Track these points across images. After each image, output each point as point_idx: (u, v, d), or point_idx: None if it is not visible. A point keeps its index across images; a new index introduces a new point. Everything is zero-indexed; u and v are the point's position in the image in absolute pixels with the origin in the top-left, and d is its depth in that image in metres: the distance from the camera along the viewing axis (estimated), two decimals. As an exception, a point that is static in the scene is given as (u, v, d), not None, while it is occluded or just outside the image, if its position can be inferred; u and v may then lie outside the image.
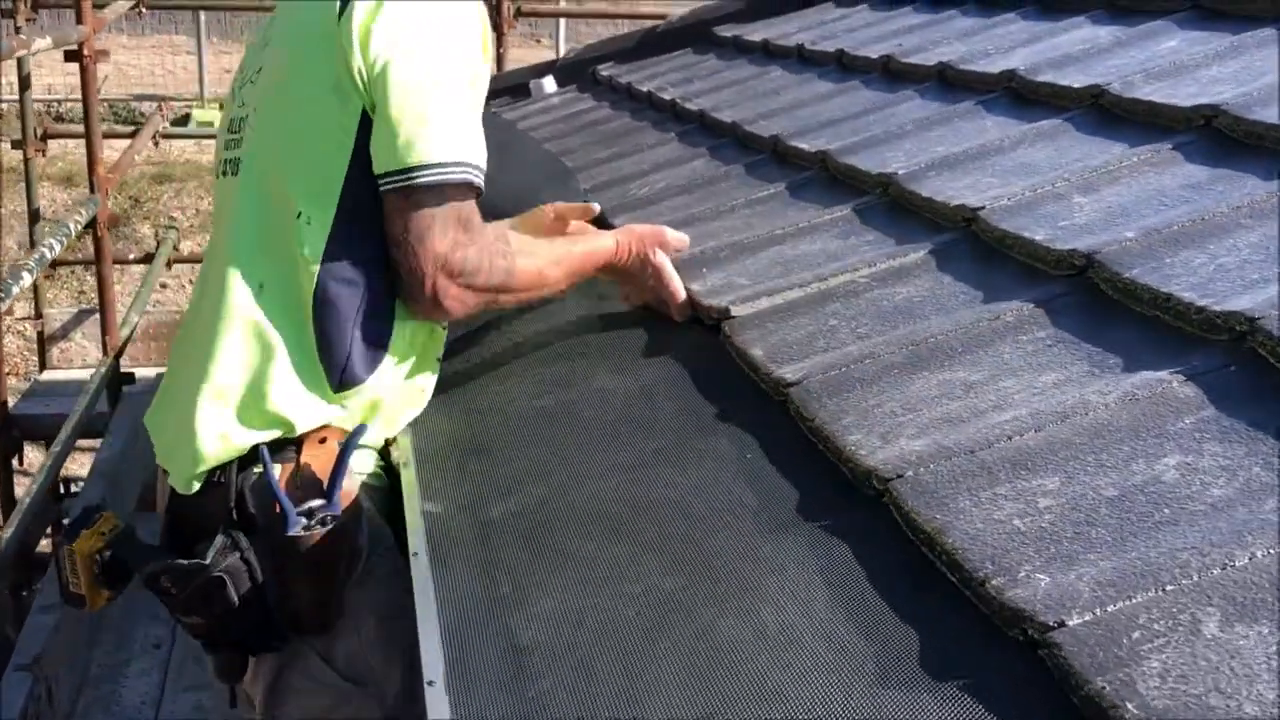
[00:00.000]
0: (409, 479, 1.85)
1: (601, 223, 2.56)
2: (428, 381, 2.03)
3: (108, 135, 5.54)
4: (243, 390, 1.83)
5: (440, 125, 1.78)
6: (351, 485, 1.83)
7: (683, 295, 2.10)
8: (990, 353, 1.61)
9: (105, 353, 5.24)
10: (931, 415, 1.50)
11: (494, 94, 5.36)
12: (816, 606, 1.26)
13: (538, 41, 15.88)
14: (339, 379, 1.84)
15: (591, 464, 1.70)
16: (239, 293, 1.85)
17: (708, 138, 3.32)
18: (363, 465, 1.92)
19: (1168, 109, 2.17)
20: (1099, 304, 1.65)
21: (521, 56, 9.15)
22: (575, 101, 4.66)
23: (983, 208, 1.99)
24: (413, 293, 1.81)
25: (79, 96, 5.63)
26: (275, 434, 1.82)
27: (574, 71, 5.15)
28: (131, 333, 5.45)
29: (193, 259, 7.51)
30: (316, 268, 1.81)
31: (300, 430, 1.82)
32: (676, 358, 1.98)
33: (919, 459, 1.39)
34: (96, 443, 5.56)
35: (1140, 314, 1.58)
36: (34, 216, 6.18)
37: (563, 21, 12.29)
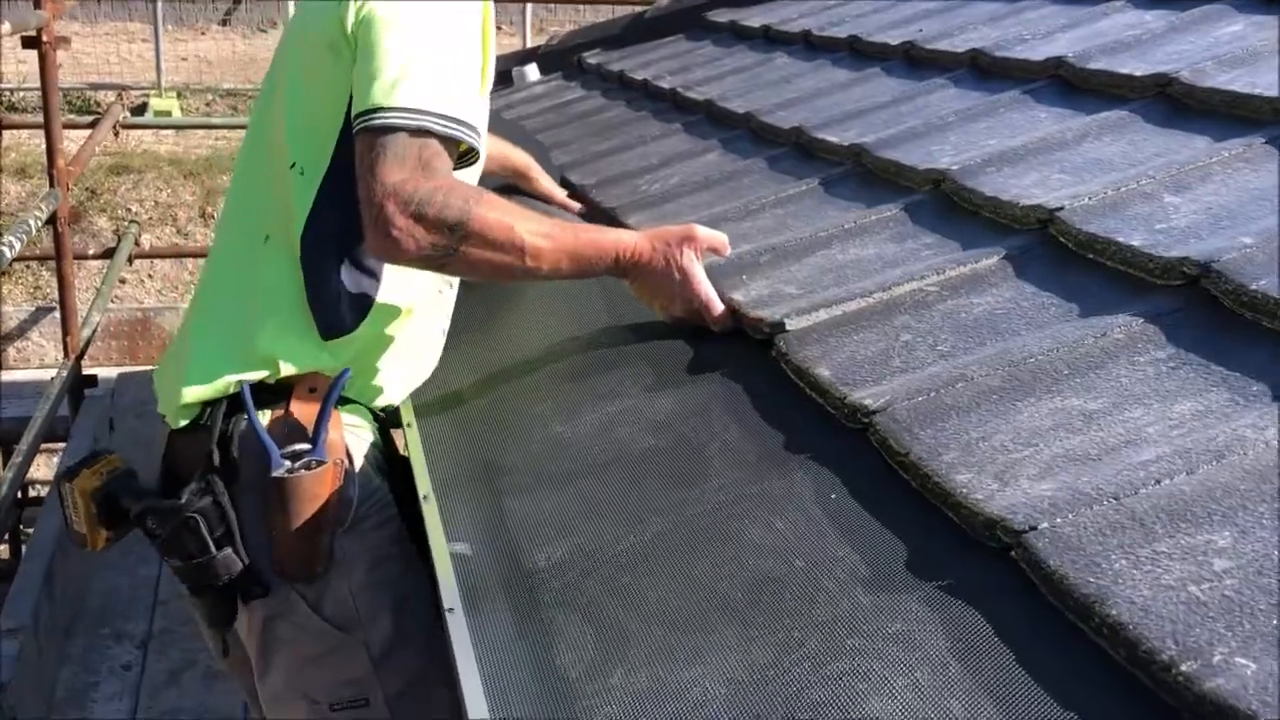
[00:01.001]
0: (432, 515, 1.64)
1: (614, 224, 2.35)
2: (428, 344, 2.04)
3: (66, 126, 5.25)
4: (235, 332, 1.88)
5: (412, 72, 1.75)
6: (340, 435, 1.86)
7: (719, 304, 1.89)
8: (1105, 376, 1.42)
9: (66, 354, 4.97)
10: (1053, 451, 1.30)
11: (474, 82, 5.14)
12: (954, 688, 1.06)
13: (498, 29, 15.61)
14: (326, 326, 1.86)
15: (647, 503, 1.49)
16: (246, 244, 1.94)
17: (718, 129, 3.12)
18: (354, 418, 1.92)
19: (1252, 100, 1.98)
20: (1221, 319, 1.46)
21: (500, 44, 8.91)
22: (562, 90, 4.44)
23: (1061, 208, 1.79)
24: (365, 221, 1.74)
25: (32, 85, 5.36)
26: (261, 374, 1.85)
27: (556, 60, 4.93)
28: (93, 333, 5.19)
29: (153, 254, 7.23)
30: (306, 217, 1.85)
31: (285, 372, 1.85)
32: (725, 375, 1.78)
33: (1052, 506, 1.19)
34: (58, 446, 5.31)
35: (1276, 331, 1.39)
36: (-12, 210, 5.90)
37: (529, 8, 12.02)
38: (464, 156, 1.84)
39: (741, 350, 1.84)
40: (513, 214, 1.81)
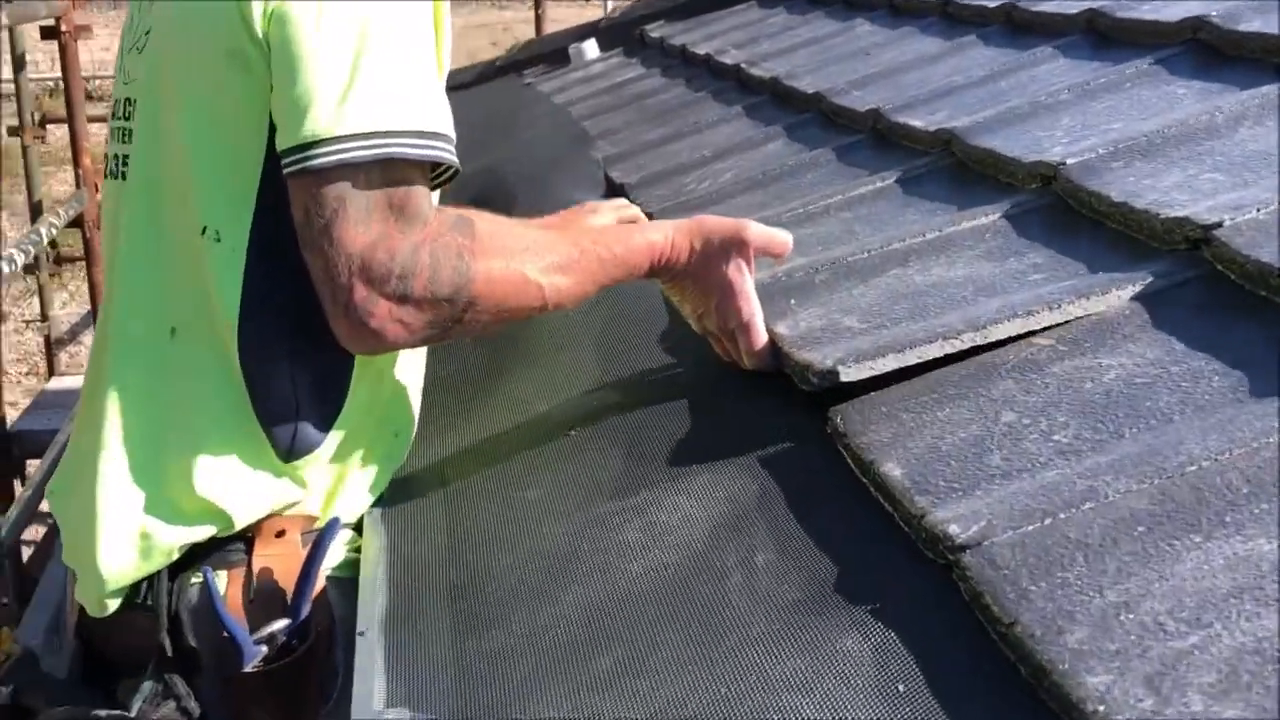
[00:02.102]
0: (365, 658, 1.23)
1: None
2: (410, 407, 1.58)
3: (97, 119, 4.93)
4: (155, 471, 1.41)
5: (363, 80, 1.28)
6: (323, 590, 1.45)
7: (762, 334, 1.47)
8: (1307, 500, 0.95)
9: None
10: (1235, 639, 0.84)
11: (528, 62, 4.72)
12: None
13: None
14: (289, 445, 1.42)
15: (666, 675, 1.06)
16: (144, 340, 1.43)
17: (783, 112, 2.65)
18: (336, 557, 1.48)
19: None
20: None
21: (563, 17, 8.49)
22: (621, 69, 4.00)
23: (1219, 224, 1.32)
24: (327, 309, 1.31)
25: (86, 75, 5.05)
26: (209, 530, 1.41)
27: (620, 34, 4.48)
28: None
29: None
30: (236, 297, 1.38)
31: (242, 522, 1.41)
32: (764, 454, 1.34)
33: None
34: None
35: None
36: (35, 210, 5.61)
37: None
38: (436, 175, 1.39)
39: (788, 411, 1.40)
40: (518, 252, 1.36)
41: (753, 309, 1.47)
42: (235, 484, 1.40)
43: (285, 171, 1.29)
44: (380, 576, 1.41)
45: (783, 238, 1.53)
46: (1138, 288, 1.32)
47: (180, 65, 1.41)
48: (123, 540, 1.40)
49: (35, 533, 5.04)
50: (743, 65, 3.09)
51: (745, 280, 1.48)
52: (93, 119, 5.12)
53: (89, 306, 4.85)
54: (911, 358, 1.31)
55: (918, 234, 1.63)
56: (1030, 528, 1.01)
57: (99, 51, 11.21)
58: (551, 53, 4.59)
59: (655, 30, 4.19)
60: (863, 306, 1.47)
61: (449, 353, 1.82)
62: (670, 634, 1.12)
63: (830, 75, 2.69)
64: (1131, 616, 0.89)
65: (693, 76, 3.41)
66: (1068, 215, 1.56)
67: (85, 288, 5.61)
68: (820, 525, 1.20)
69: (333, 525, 1.45)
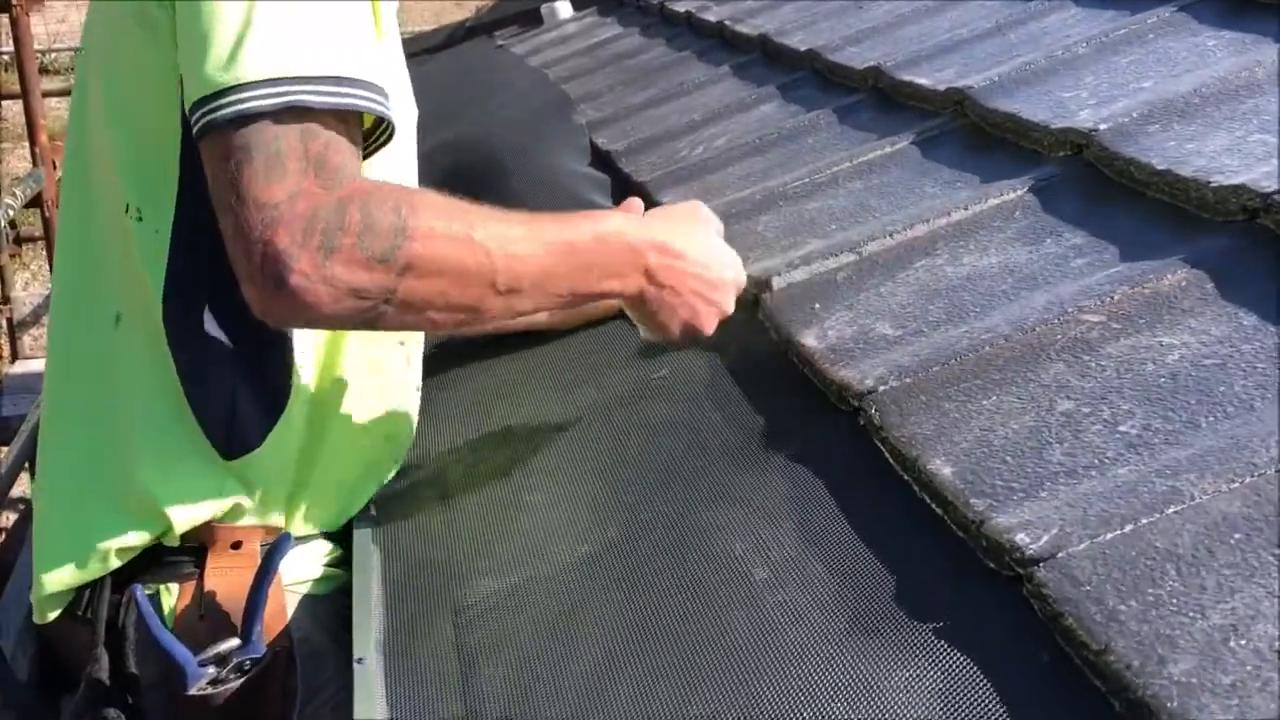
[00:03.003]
0: (364, 690, 1.13)
1: (647, 201, 1.81)
2: (396, 413, 1.44)
3: (56, 94, 4.76)
4: (97, 468, 1.32)
5: (260, 21, 1.12)
6: (281, 607, 1.34)
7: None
8: None
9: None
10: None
11: (499, 23, 4.58)
12: None
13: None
14: (226, 441, 1.31)
15: (699, 705, 0.96)
16: (91, 327, 1.34)
17: (774, 71, 2.54)
18: (298, 570, 1.38)
19: None
20: None
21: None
22: (597, 28, 3.87)
23: (1278, 191, 1.21)
24: (239, 268, 1.12)
25: (63, 45, 4.87)
26: (146, 535, 1.30)
27: (593, -9, 4.34)
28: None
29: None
30: (160, 279, 1.28)
31: (181, 526, 1.30)
32: (785, 446, 1.24)
33: None
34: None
35: None
36: (-9, 189, 5.44)
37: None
38: (370, 137, 1.22)
39: (813, 400, 1.30)
40: (463, 215, 1.17)
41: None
42: (172, 483, 1.30)
43: (195, 134, 1.14)
44: (376, 597, 1.30)
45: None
46: (1193, 261, 1.21)
47: (99, 31, 1.33)
48: (60, 543, 1.32)
49: (6, 519, 4.90)
50: (727, 22, 2.97)
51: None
52: (49, 93, 4.95)
53: (53, 287, 4.71)
54: (955, 367, 1.21)
55: (941, 213, 1.52)
56: (1110, 536, 0.91)
57: (54, 24, 10.95)
58: (523, 13, 4.45)
59: (630, -13, 4.05)
60: (894, 309, 1.36)
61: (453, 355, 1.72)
62: (701, 659, 1.01)
63: (822, 31, 2.57)
64: (1244, 643, 0.79)
65: (674, 35, 3.28)
66: (1102, 186, 1.45)
67: (47, 268, 5.45)
68: (862, 530, 1.10)
69: (285, 538, 1.34)
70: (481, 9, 4.78)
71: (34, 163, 4.30)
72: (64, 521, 1.33)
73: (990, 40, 2.06)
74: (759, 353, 1.47)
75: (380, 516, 1.44)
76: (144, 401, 1.31)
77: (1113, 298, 1.21)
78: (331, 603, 1.40)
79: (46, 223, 4.40)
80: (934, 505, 1.06)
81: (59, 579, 1.32)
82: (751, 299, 1.53)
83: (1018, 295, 1.30)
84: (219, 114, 1.11)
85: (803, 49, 2.47)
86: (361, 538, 1.41)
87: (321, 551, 1.42)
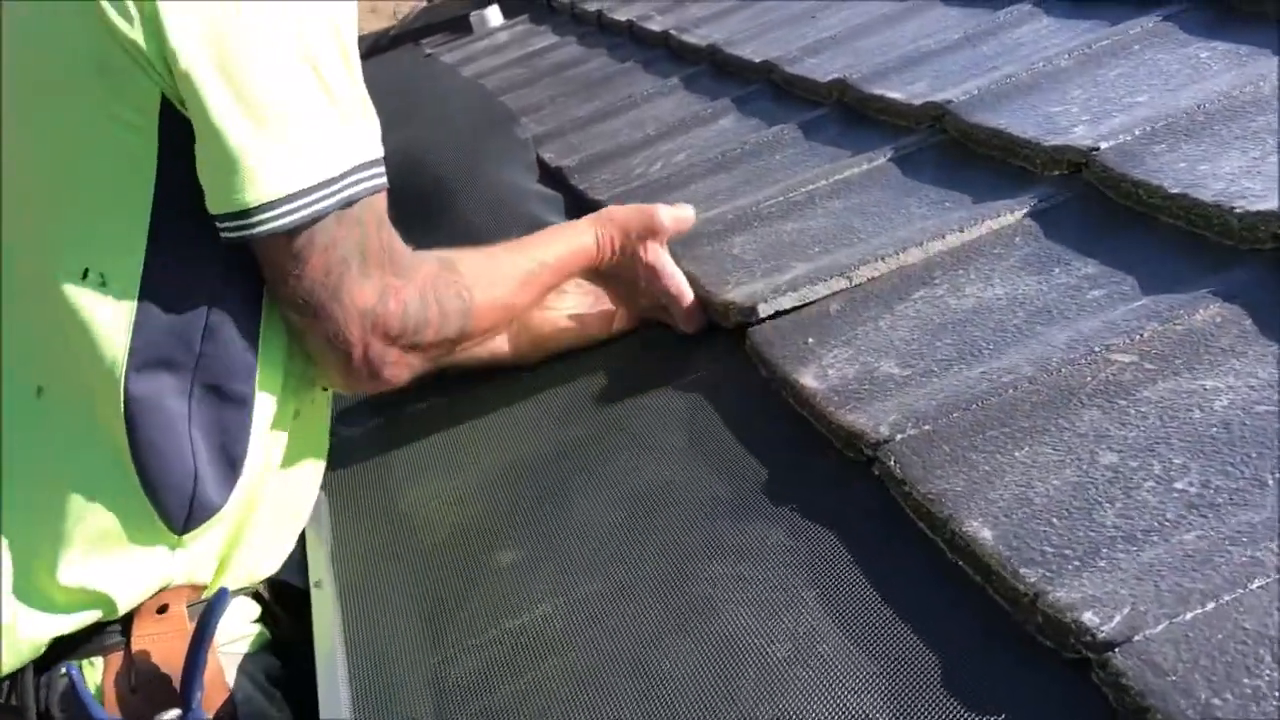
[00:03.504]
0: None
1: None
2: (318, 456, 1.42)
3: None
4: (27, 554, 1.23)
5: (316, 121, 1.17)
6: (218, 670, 1.27)
7: (689, 294, 1.54)
8: None
9: None
10: None
11: (425, 30, 4.45)
12: None
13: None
14: (186, 514, 1.25)
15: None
16: (6, 403, 1.26)
17: (728, 84, 2.45)
18: (229, 630, 1.30)
19: None
20: None
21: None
22: (530, 37, 3.76)
23: (1315, 215, 1.14)
24: (339, 367, 1.28)
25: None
26: (89, 617, 1.24)
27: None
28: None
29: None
30: (124, 351, 1.21)
31: (125, 606, 1.25)
32: (793, 500, 1.14)
33: None
34: None
35: None
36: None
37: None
38: None
39: (818, 450, 1.20)
40: (500, 281, 1.41)
41: (679, 283, 1.53)
42: (117, 566, 1.24)
43: (255, 232, 1.17)
44: (340, 665, 1.18)
45: (687, 213, 1.56)
46: (1224, 293, 1.13)
47: (37, 86, 1.23)
48: None
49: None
50: (673, 32, 2.87)
51: (664, 259, 1.53)
52: None
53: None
54: (979, 413, 1.11)
55: (934, 234, 1.43)
56: (1190, 615, 0.81)
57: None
58: (450, 20, 4.33)
59: (564, -6, 3.94)
60: (897, 345, 1.27)
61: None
62: None
63: (776, 41, 2.48)
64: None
65: (615, 45, 3.18)
66: (1107, 209, 1.37)
67: None
68: (889, 597, 1.00)
69: (221, 596, 1.26)
70: (406, 16, 4.64)
71: None
72: None
73: (960, 52, 1.98)
74: (746, 390, 1.37)
75: (336, 573, 1.32)
76: (79, 481, 1.23)
77: (1142, 335, 1.12)
78: (262, 661, 1.34)
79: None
80: (973, 572, 0.97)
81: None
82: (736, 326, 1.43)
83: (1034, 331, 1.21)
84: (301, 212, 1.16)
85: (757, 60, 2.38)
86: (320, 597, 1.30)
87: (247, 610, 1.36)
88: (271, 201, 1.15)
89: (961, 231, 1.42)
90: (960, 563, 0.98)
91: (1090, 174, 1.42)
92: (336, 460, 1.56)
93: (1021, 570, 0.92)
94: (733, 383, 1.41)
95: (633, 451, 1.36)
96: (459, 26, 4.22)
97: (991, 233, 1.41)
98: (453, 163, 2.31)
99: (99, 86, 1.17)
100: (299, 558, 1.42)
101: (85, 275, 1.20)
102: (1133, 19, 1.78)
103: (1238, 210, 1.20)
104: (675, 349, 1.54)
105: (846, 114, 2.00)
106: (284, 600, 1.40)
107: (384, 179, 1.24)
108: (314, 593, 1.33)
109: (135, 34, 1.13)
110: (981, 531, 0.97)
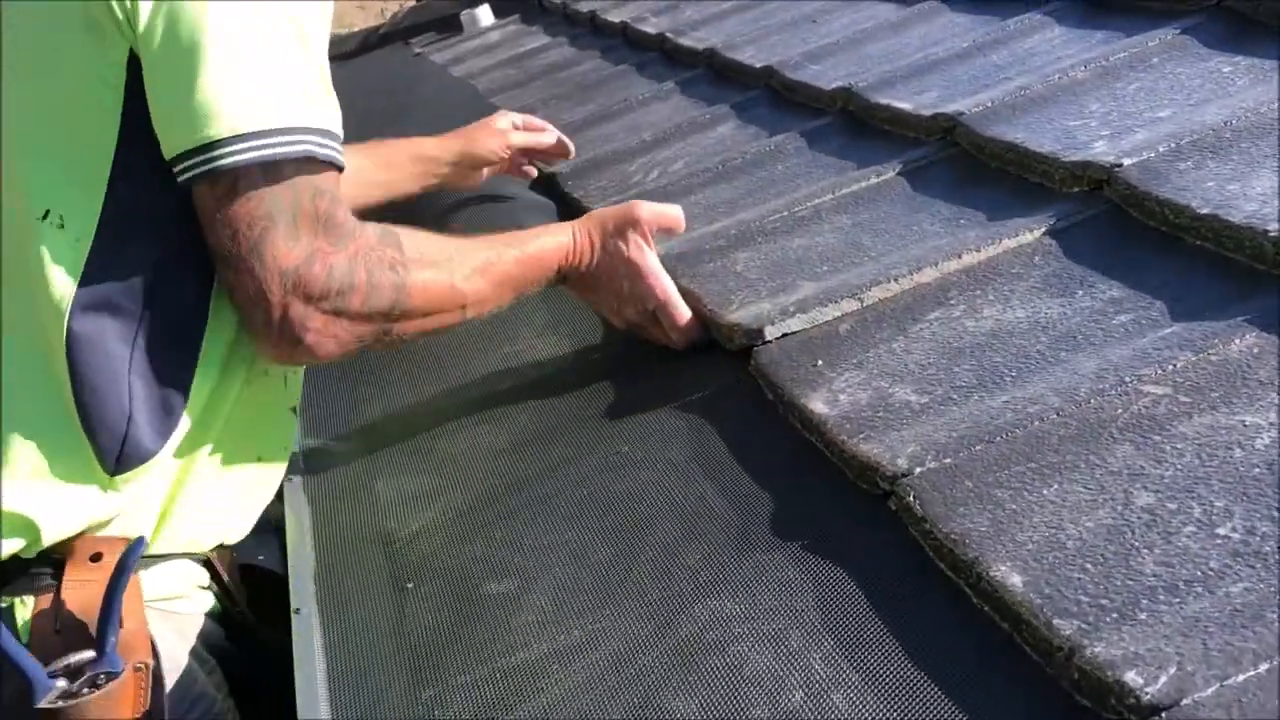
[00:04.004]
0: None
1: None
2: (275, 431, 1.44)
3: None
4: None
5: (271, 71, 1.24)
6: (142, 621, 1.29)
7: (682, 307, 1.47)
8: None
9: None
10: None
11: (415, 29, 4.38)
12: None
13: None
14: (117, 456, 1.28)
15: None
16: None
17: (726, 90, 2.39)
18: (165, 586, 1.34)
19: None
20: None
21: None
22: (521, 37, 3.69)
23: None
24: (257, 327, 1.28)
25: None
26: (14, 545, 1.27)
27: (514, -1, 4.16)
28: None
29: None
30: (71, 290, 1.26)
31: (50, 537, 1.27)
32: (804, 536, 1.08)
33: None
34: None
35: None
36: None
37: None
38: None
39: (828, 480, 1.14)
40: (444, 262, 1.37)
41: (665, 285, 1.47)
42: (47, 496, 1.27)
43: (184, 178, 1.22)
44: (322, 699, 1.12)
45: (673, 211, 1.52)
46: (1261, 333, 1.07)
47: (21, 38, 1.30)
48: None
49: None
50: (668, 35, 2.81)
51: (649, 257, 1.47)
52: None
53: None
54: (1004, 446, 1.05)
55: (950, 255, 1.37)
56: (1242, 678, 0.75)
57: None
58: (441, 19, 4.26)
59: (556, -6, 3.87)
60: (912, 369, 1.21)
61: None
62: None
63: (776, 46, 2.42)
64: None
65: (608, 47, 3.12)
66: (1130, 229, 1.31)
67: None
68: (908, 643, 0.94)
69: (137, 545, 1.29)
70: (396, 14, 4.57)
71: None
72: None
73: (970, 61, 1.93)
74: (751, 411, 1.31)
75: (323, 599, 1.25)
76: (22, 411, 1.28)
77: (1174, 365, 1.06)
78: (203, 626, 1.38)
79: None
80: (1000, 619, 0.90)
81: None
82: (740, 348, 1.37)
83: (1058, 358, 1.15)
84: (236, 157, 1.19)
85: (757, 65, 2.32)
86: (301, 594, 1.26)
87: (191, 573, 1.39)
88: (225, 139, 1.19)
89: (978, 251, 1.36)
90: (987, 608, 0.92)
91: (1113, 191, 1.36)
92: (320, 476, 1.50)
93: (1056, 621, 0.86)
94: (737, 403, 1.35)
95: (631, 475, 1.30)
96: (449, 25, 4.15)
97: (1009, 251, 1.35)
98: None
99: (83, 41, 1.23)
100: (280, 547, 1.44)
101: (45, 216, 1.26)
102: (1149, 31, 1.73)
103: (1272, 233, 1.14)
104: (674, 365, 1.48)
105: (851, 124, 1.94)
106: (250, 582, 1.45)
107: (337, 155, 1.27)
108: (294, 619, 1.26)
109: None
110: (1010, 577, 0.91)
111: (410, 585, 1.24)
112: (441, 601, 1.22)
